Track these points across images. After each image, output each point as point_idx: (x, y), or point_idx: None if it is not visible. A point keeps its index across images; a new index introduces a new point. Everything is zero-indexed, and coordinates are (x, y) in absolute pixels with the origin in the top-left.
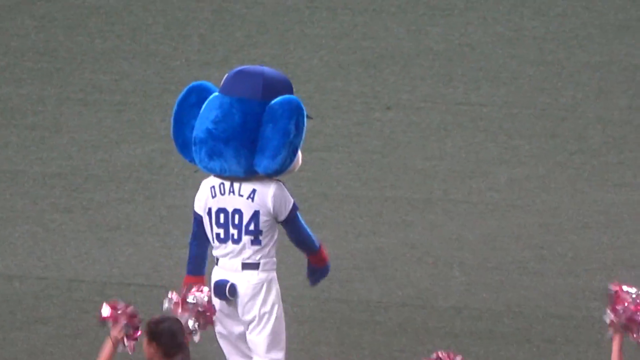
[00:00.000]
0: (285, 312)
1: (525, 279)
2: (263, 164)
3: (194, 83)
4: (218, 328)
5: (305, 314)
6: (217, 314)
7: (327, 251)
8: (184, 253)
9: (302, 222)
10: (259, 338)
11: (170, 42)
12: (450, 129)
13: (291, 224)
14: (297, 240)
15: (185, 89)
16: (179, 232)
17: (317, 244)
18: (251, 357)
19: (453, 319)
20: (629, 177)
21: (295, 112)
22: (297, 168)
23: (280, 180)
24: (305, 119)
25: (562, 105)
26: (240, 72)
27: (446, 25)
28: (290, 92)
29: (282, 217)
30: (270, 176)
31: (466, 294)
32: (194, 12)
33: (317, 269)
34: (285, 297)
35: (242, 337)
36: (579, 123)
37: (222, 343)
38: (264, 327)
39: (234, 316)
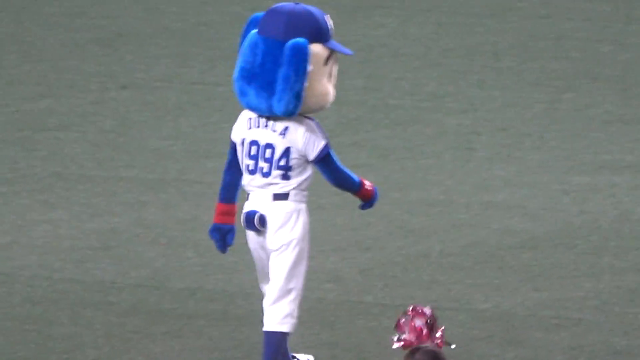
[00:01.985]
0: (19, 293)
1: None
2: (273, 106)
3: (255, 14)
4: (255, 258)
5: (38, 294)
6: (251, 244)
7: (369, 182)
8: None
9: (337, 161)
10: (281, 263)
11: None
12: (186, 109)
13: (323, 164)
14: (334, 180)
15: (248, 20)
16: None
17: (357, 181)
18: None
19: (187, 300)
20: (364, 158)
21: (295, 57)
22: (326, 105)
23: (312, 119)
24: (303, 64)
25: None
26: (271, 10)
27: (182, 4)
28: (318, 32)
29: (312, 157)
30: (299, 115)
31: (200, 275)
32: None
33: (367, 204)
34: (18, 277)
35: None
36: None
37: (258, 263)
38: (289, 253)
39: (264, 246)
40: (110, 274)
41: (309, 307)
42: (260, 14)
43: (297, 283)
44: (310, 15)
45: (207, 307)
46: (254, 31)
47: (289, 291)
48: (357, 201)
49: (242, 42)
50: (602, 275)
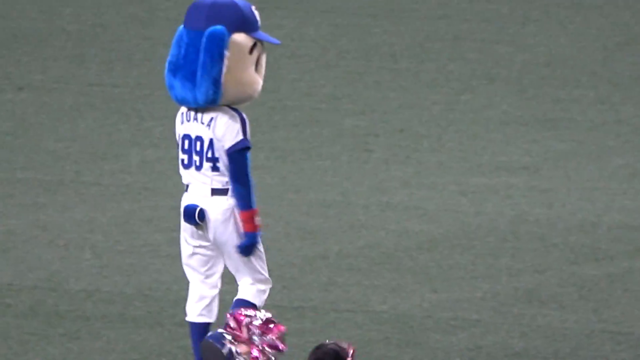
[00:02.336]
0: None
1: (157, 262)
2: (195, 95)
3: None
4: (185, 251)
5: None
6: (186, 239)
7: (261, 222)
8: None
9: (248, 167)
10: (239, 261)
11: None
12: (83, 110)
13: (234, 159)
14: (236, 181)
15: None
16: None
17: (253, 202)
18: (212, 284)
19: (84, 302)
20: (261, 160)
21: (210, 43)
22: (254, 94)
23: (238, 112)
24: (217, 49)
25: None
26: (195, 3)
27: (78, 5)
28: (241, 21)
29: (227, 146)
30: (228, 107)
31: (98, 277)
32: None
33: (246, 240)
34: None
35: (206, 261)
36: None
37: (186, 264)
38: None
39: (204, 241)
40: (8, 276)
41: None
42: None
43: (262, 267)
44: (233, 5)
45: (104, 309)
46: (181, 26)
47: (260, 275)
48: (258, 203)
49: None
50: (499, 277)
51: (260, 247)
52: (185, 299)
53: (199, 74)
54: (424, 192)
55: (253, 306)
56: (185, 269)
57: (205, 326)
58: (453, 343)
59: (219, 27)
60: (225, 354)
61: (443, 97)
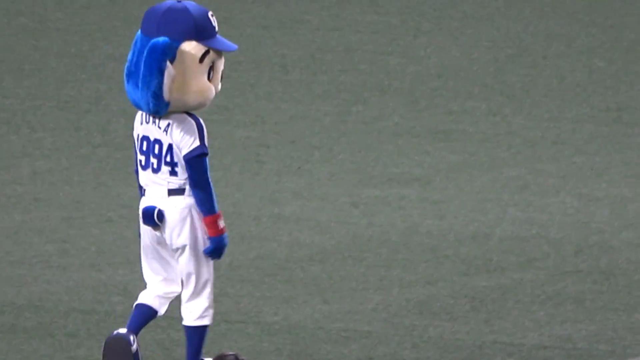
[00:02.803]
0: None
1: (48, 272)
2: (142, 105)
3: None
4: (144, 253)
5: None
6: (147, 239)
7: (226, 225)
8: None
9: (207, 172)
10: (189, 261)
11: None
12: None
13: (192, 165)
14: (196, 186)
15: None
16: None
17: (215, 207)
18: (171, 280)
19: None
20: None
21: (149, 57)
22: (206, 102)
23: (195, 118)
24: (156, 62)
25: (86, 98)
26: (151, 8)
27: None
28: (192, 29)
29: (184, 153)
30: (184, 113)
31: None
32: None
33: (211, 245)
34: None
35: (165, 265)
36: (102, 116)
37: (149, 256)
38: (193, 250)
39: (162, 243)
40: None
41: (98, 320)
42: None
43: (209, 275)
44: (185, 12)
45: None
46: (139, 30)
47: (204, 285)
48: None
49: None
50: (391, 288)
51: (211, 264)
52: (76, 310)
53: (140, 84)
54: (315, 203)
55: (204, 328)
56: (145, 272)
57: (150, 313)
58: (344, 354)
59: (161, 39)
60: (133, 352)
61: (335, 108)
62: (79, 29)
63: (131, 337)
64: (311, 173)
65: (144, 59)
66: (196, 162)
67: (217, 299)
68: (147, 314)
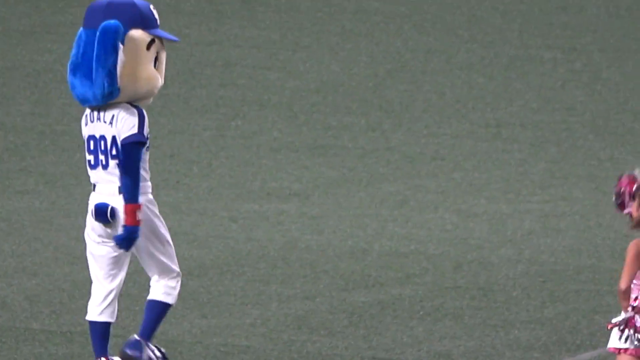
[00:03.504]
0: None
1: None
2: (94, 91)
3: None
4: (91, 249)
5: None
6: (92, 237)
7: (139, 219)
8: None
9: (139, 162)
10: (150, 251)
11: None
12: None
13: (127, 150)
14: (125, 172)
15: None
16: None
17: (137, 197)
18: (116, 284)
19: None
20: (31, 184)
21: (103, 36)
22: (154, 90)
23: (138, 108)
24: (111, 41)
25: None
26: (92, 4)
27: None
28: (138, 18)
29: (122, 137)
30: (129, 104)
31: None
32: None
33: (124, 226)
34: None
35: (113, 259)
36: None
37: (91, 263)
38: (151, 241)
39: (111, 239)
40: None
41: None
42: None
43: (172, 259)
44: (130, 3)
45: None
46: (81, 28)
47: (169, 269)
48: (27, 228)
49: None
50: (269, 303)
51: (169, 239)
52: None
53: (94, 67)
54: (194, 217)
55: (167, 306)
56: (91, 267)
57: (106, 326)
58: None
59: (112, 21)
60: None
61: (214, 122)
62: None
63: (142, 346)
64: (189, 187)
65: (97, 40)
66: (131, 149)
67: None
68: (103, 330)
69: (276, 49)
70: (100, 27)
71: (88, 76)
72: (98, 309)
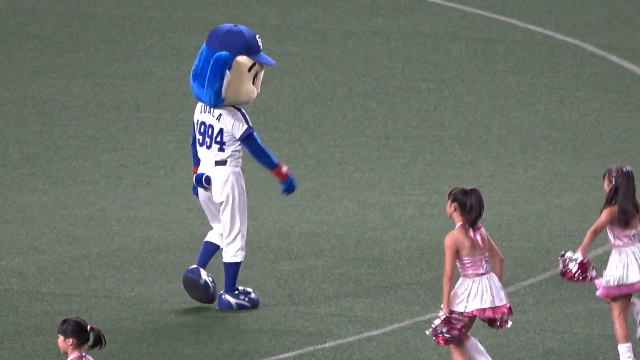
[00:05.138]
0: None
1: None
2: (204, 98)
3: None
4: (203, 202)
5: None
6: (201, 198)
7: (286, 168)
8: None
9: (259, 143)
10: (228, 213)
11: None
12: None
13: (246, 142)
14: (256, 156)
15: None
16: None
17: (275, 162)
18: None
19: None
20: (40, 185)
21: (215, 65)
22: (250, 100)
23: (240, 110)
24: (219, 70)
25: None
26: (216, 28)
27: None
28: (245, 46)
29: (238, 136)
30: (231, 106)
31: None
32: None
33: (285, 186)
34: None
35: (216, 214)
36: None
37: (206, 210)
38: (231, 205)
39: (212, 200)
40: None
41: None
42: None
43: (243, 225)
44: (240, 33)
45: None
46: (204, 44)
47: (238, 232)
48: (37, 217)
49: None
50: (218, 272)
51: (245, 212)
52: None
53: (205, 85)
54: (161, 208)
55: (217, 247)
56: (209, 218)
57: (213, 247)
58: (184, 320)
59: (224, 53)
60: (202, 283)
61: (175, 138)
62: None
63: (200, 271)
64: (158, 186)
65: (210, 66)
66: (250, 139)
67: (89, 280)
68: (210, 248)
69: None
70: (215, 56)
71: (202, 85)
72: (213, 235)
